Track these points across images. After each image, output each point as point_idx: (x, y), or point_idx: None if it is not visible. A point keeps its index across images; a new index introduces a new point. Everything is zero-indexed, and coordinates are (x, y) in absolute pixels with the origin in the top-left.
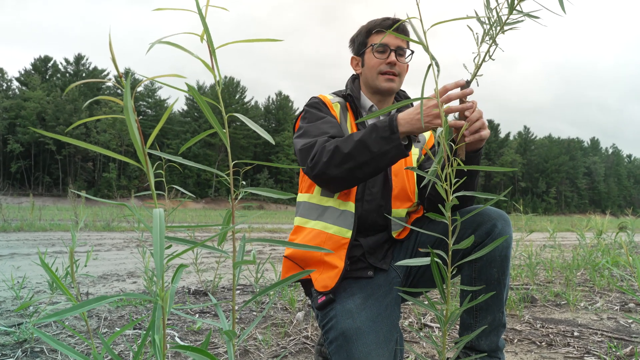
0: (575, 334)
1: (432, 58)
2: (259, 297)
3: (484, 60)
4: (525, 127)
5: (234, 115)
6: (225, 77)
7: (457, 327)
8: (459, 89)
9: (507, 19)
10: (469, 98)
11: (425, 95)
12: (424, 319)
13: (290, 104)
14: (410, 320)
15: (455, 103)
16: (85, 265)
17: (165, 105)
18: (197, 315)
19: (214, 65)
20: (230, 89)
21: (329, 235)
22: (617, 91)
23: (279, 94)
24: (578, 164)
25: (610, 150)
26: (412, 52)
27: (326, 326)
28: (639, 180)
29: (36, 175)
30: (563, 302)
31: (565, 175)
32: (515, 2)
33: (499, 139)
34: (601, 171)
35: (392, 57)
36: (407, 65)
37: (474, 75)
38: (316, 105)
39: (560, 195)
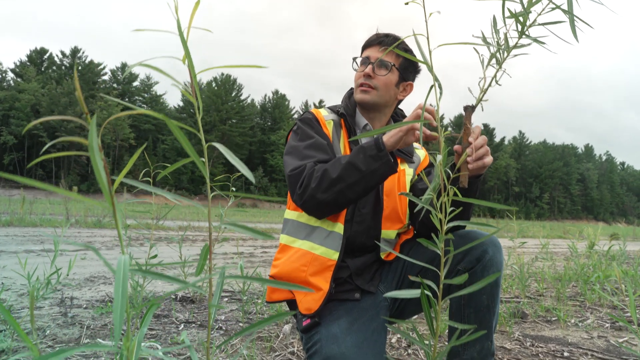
0: (565, 353)
1: (436, 79)
2: (244, 333)
3: (490, 85)
4: (520, 131)
5: (229, 112)
6: (222, 74)
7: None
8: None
9: (516, 43)
10: (478, 119)
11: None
12: (412, 333)
13: (286, 102)
14: (398, 336)
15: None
16: (68, 274)
17: (162, 100)
18: (182, 326)
19: (195, 92)
20: (227, 86)
21: (315, 257)
22: (612, 98)
23: (276, 92)
24: (572, 170)
25: (604, 157)
26: (393, 65)
27: (310, 350)
28: (632, 188)
29: (29, 168)
30: (554, 318)
31: (558, 181)
32: (525, 27)
33: (494, 143)
34: (594, 178)
35: (368, 68)
36: (394, 79)
37: (479, 100)
38: (308, 122)
39: (553, 200)
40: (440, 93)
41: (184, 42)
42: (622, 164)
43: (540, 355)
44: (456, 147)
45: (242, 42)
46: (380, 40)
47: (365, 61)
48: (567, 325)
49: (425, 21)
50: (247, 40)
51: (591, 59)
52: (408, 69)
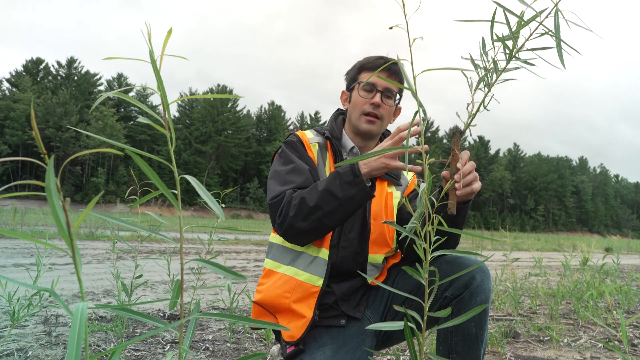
0: None
1: (420, 105)
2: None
3: (478, 110)
4: (515, 144)
5: (225, 123)
6: (218, 85)
7: None
8: (415, 127)
9: (505, 67)
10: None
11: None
12: (403, 355)
13: (282, 114)
14: (388, 357)
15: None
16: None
17: (157, 112)
18: (168, 346)
19: (167, 124)
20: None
21: (299, 283)
22: (606, 111)
23: (272, 103)
24: (566, 182)
25: (598, 170)
26: (400, 97)
27: None
28: (626, 201)
29: (23, 178)
30: (546, 338)
31: (553, 193)
32: (513, 52)
33: (489, 155)
34: (589, 190)
35: (377, 98)
36: (396, 109)
37: (468, 124)
38: (292, 145)
39: (548, 213)
40: (425, 119)
41: (157, 71)
42: (616, 176)
43: None
44: (444, 173)
45: (239, 53)
46: (389, 68)
47: (372, 89)
48: (559, 345)
49: (409, 46)
50: (243, 51)
51: (585, 73)
52: (400, 95)
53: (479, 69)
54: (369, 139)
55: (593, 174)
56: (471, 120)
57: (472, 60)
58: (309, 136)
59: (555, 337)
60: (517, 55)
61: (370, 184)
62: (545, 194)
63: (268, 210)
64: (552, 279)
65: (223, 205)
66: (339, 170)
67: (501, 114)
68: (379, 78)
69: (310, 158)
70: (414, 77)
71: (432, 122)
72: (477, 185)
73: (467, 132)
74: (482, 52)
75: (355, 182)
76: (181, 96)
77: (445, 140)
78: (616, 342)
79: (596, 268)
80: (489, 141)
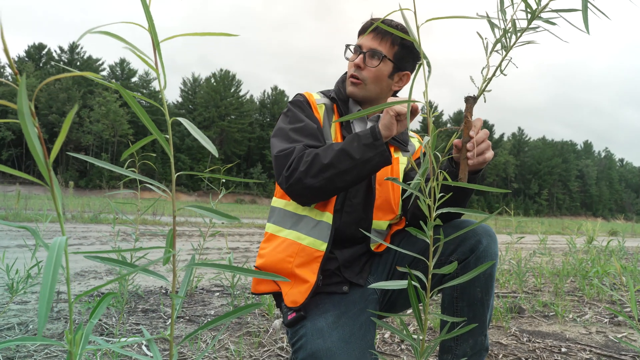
0: (563, 349)
1: (424, 56)
2: (209, 326)
3: (494, 74)
4: (519, 128)
5: (228, 108)
6: (221, 70)
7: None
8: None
9: (527, 27)
10: (478, 112)
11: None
12: (407, 323)
13: (285, 99)
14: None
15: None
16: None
17: (160, 97)
18: (169, 320)
19: (157, 62)
20: (226, 82)
21: (302, 247)
22: (610, 95)
23: (275, 88)
24: (571, 166)
25: (603, 154)
26: (384, 55)
27: (295, 345)
28: (630, 185)
29: (27, 164)
30: (551, 313)
31: (557, 177)
32: (537, 11)
33: (494, 139)
34: (593, 174)
35: (359, 59)
36: (387, 70)
37: (482, 90)
38: (299, 104)
39: (552, 197)
40: (429, 72)
41: (146, 7)
42: (621, 160)
43: (537, 351)
44: (456, 141)
45: (240, 37)
46: (375, 28)
47: (357, 50)
48: (564, 320)
49: None
50: (245, 35)
51: (589, 56)
52: (405, 58)
53: (496, 29)
54: (361, 103)
55: (598, 158)
56: (486, 85)
57: (489, 20)
58: (316, 97)
59: (561, 312)
60: (539, 15)
61: (388, 150)
62: (550, 178)
63: (273, 163)
64: (556, 260)
65: (223, 188)
66: (358, 133)
67: (505, 97)
68: (364, 39)
69: (317, 118)
70: (417, 27)
71: (436, 106)
72: (490, 154)
73: (482, 97)
74: (500, 10)
75: (374, 144)
76: (184, 81)
77: (449, 125)
78: (622, 317)
79: (601, 248)
80: (493, 125)
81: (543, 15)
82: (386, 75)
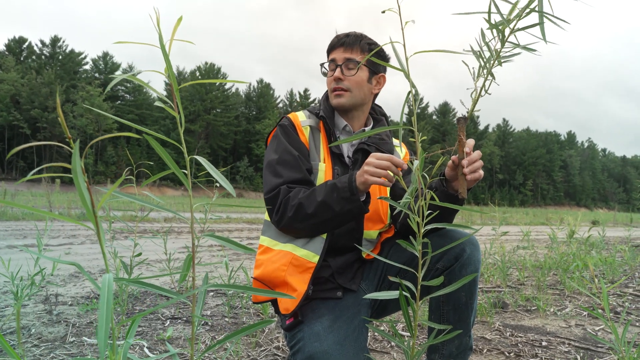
0: (544, 343)
1: (412, 86)
2: (229, 339)
3: (480, 95)
4: (504, 119)
5: (213, 101)
6: (206, 63)
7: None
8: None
9: (501, 50)
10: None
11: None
12: (396, 325)
13: (271, 91)
14: (382, 327)
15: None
16: (52, 273)
17: (144, 90)
18: (168, 322)
19: (177, 107)
20: (211, 75)
21: (296, 257)
22: (592, 83)
23: (260, 81)
24: (555, 157)
25: (586, 144)
26: (359, 62)
27: (293, 348)
28: (613, 174)
29: (10, 160)
30: (534, 308)
31: (542, 167)
32: (506, 37)
33: (478, 130)
34: (577, 164)
35: (337, 72)
36: (365, 75)
37: (472, 110)
38: (285, 130)
39: (536, 187)
40: (416, 99)
41: (166, 57)
42: (604, 150)
43: (519, 345)
44: (454, 157)
45: (221, 28)
46: (342, 42)
47: (332, 64)
48: (546, 314)
49: (402, 29)
50: (225, 26)
51: (570, 44)
52: (375, 62)
53: (480, 59)
54: (348, 112)
55: (581, 148)
56: (474, 106)
57: (474, 52)
58: (302, 118)
59: (542, 306)
60: (514, 36)
61: (365, 197)
62: (534, 169)
63: (264, 193)
64: (539, 252)
65: (217, 185)
66: (337, 184)
67: (490, 89)
68: (337, 53)
69: (302, 142)
70: (407, 59)
71: (421, 98)
72: (481, 173)
73: (474, 115)
74: (483, 42)
75: (351, 199)
76: (168, 75)
77: (435, 117)
78: (599, 310)
79: (582, 240)
80: (477, 117)
81: (517, 34)
82: (365, 80)
